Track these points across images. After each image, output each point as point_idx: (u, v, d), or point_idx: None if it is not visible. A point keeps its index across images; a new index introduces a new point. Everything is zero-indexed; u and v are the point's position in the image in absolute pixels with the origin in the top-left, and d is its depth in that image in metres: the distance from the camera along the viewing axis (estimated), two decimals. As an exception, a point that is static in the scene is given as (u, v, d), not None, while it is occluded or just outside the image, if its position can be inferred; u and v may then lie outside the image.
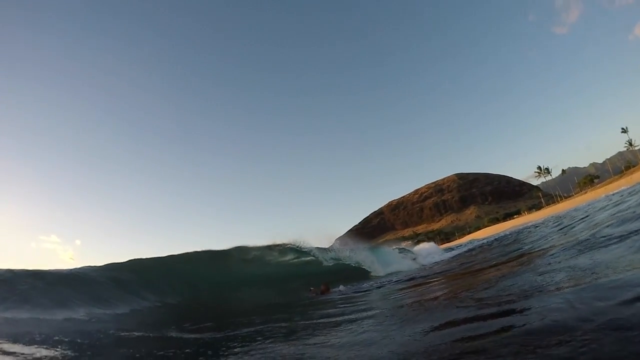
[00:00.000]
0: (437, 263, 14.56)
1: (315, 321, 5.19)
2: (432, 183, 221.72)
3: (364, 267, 15.90)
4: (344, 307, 6.79)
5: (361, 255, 16.91)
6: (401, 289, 8.09)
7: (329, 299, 9.57)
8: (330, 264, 16.15)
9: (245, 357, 3.16)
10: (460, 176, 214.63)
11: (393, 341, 3.03)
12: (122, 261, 11.87)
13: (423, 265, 15.67)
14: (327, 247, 17.92)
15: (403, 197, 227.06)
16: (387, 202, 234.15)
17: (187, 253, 14.81)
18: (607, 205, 12.13)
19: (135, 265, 11.79)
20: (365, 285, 11.37)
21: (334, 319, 5.07)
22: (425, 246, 26.92)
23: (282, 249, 16.18)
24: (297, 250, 16.67)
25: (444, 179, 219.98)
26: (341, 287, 11.84)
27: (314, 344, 3.48)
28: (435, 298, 4.89)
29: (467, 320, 2.90)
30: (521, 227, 26.40)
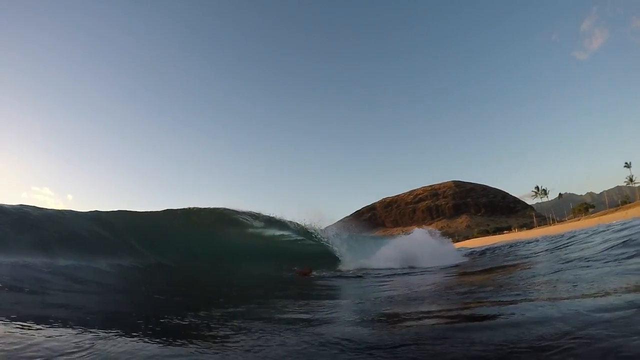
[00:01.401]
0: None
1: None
2: (429, 186, 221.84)
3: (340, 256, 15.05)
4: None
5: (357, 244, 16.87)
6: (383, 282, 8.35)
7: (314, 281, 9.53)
8: (313, 246, 15.60)
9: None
10: (458, 184, 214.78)
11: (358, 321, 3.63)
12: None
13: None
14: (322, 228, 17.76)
15: (397, 195, 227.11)
16: (380, 198, 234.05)
17: (165, 210, 14.83)
18: (602, 232, 12.55)
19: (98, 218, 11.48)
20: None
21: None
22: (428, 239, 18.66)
23: (272, 221, 16.49)
24: (284, 225, 16.46)
25: (441, 184, 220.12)
26: (325, 273, 11.79)
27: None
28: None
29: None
30: (511, 241, 26.08)
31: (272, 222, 16.63)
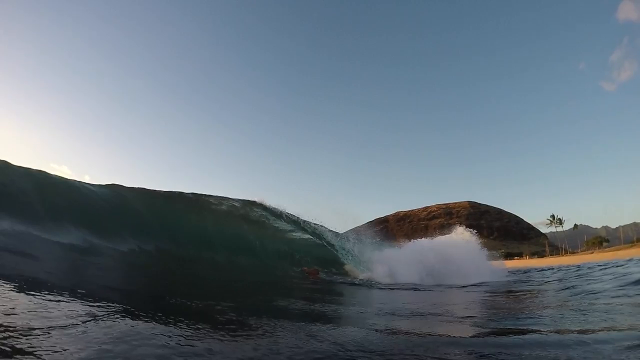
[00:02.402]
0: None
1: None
2: (444, 204, 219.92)
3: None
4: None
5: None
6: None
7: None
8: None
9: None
10: (473, 204, 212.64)
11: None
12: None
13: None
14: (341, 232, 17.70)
15: (411, 210, 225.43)
16: (394, 212, 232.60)
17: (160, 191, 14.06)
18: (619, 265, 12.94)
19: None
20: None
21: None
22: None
23: (290, 220, 16.12)
24: (298, 225, 16.08)
25: (455, 203, 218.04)
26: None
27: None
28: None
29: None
30: (522, 268, 25.76)
31: (290, 221, 16.33)
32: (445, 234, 19.65)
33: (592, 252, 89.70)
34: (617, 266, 13.35)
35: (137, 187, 13.41)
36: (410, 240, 18.05)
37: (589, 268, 15.25)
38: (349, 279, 12.20)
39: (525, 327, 3.77)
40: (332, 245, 15.69)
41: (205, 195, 15.23)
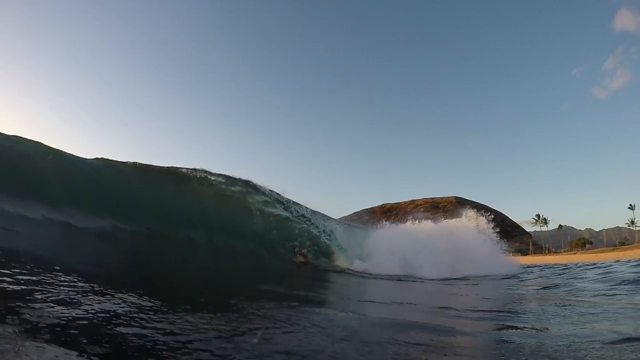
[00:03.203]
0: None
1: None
2: (430, 198, 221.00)
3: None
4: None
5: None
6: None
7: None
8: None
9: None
10: (460, 200, 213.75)
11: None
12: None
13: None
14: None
15: (398, 203, 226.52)
16: (380, 203, 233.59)
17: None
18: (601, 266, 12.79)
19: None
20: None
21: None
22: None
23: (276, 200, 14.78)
24: (283, 205, 14.64)
25: (442, 197, 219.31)
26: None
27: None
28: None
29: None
30: None
31: (276, 200, 14.88)
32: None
33: (575, 253, 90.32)
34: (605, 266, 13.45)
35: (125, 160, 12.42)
36: (412, 221, 16.88)
37: (578, 267, 15.13)
38: (339, 268, 11.48)
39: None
40: (324, 232, 14.71)
41: (183, 168, 13.74)
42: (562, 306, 5.15)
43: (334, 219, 18.28)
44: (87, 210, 8.51)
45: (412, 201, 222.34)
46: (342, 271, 10.99)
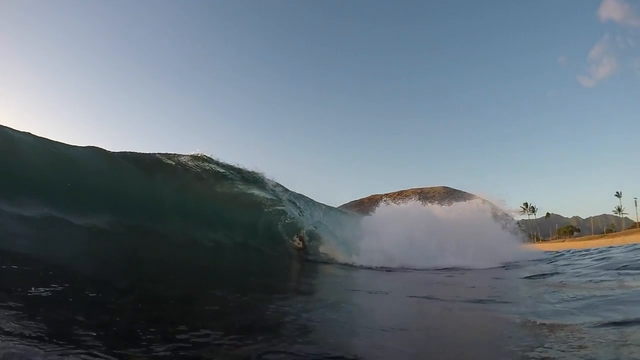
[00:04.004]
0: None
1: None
2: (419, 189, 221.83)
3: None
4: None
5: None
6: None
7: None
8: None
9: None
10: (448, 190, 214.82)
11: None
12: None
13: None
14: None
15: (387, 194, 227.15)
16: (369, 195, 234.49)
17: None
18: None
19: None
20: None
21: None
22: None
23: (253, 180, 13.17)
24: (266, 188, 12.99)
25: (430, 187, 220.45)
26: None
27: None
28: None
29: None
30: None
31: (253, 180, 13.24)
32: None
33: (563, 241, 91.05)
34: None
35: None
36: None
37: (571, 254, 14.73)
38: (334, 260, 10.88)
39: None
40: (316, 221, 13.78)
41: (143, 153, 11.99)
42: (553, 292, 5.50)
43: (328, 206, 17.24)
44: (71, 202, 7.68)
45: (401, 192, 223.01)
46: (342, 265, 10.59)
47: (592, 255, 12.33)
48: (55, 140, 9.19)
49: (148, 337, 2.43)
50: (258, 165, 13.39)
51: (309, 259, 10.61)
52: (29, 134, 8.95)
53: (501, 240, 14.25)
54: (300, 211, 13.69)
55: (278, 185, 13.65)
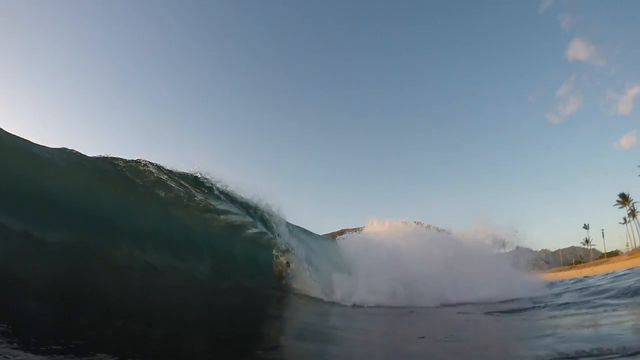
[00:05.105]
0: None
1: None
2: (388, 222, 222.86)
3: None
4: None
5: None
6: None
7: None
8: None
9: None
10: (418, 223, 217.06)
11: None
12: None
13: None
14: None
15: (356, 228, 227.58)
16: (339, 229, 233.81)
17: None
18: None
19: None
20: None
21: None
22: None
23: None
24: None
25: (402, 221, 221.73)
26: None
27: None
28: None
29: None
30: None
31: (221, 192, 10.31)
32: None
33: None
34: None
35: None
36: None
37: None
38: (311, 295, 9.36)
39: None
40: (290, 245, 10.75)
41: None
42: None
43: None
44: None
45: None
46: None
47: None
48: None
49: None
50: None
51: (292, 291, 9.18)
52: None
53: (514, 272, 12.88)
54: (278, 234, 11.39)
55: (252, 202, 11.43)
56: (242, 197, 10.19)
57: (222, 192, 9.88)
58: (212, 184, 9.62)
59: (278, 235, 10.59)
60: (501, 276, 11.53)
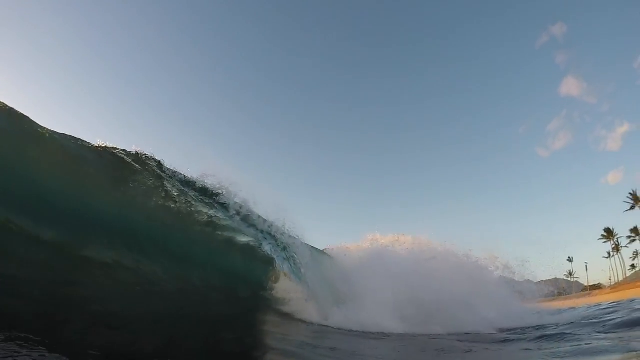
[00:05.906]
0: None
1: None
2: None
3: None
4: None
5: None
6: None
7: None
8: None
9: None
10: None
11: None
12: None
13: None
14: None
15: (341, 245, 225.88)
16: (324, 247, 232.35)
17: None
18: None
19: None
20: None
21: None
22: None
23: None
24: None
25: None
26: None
27: None
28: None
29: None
30: None
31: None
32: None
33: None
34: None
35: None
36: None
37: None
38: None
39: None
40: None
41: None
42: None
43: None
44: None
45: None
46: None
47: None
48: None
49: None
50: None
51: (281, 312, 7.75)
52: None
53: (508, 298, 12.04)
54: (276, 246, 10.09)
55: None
56: (237, 202, 9.19)
57: (224, 204, 9.13)
58: (215, 191, 8.94)
59: (281, 249, 9.87)
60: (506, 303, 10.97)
